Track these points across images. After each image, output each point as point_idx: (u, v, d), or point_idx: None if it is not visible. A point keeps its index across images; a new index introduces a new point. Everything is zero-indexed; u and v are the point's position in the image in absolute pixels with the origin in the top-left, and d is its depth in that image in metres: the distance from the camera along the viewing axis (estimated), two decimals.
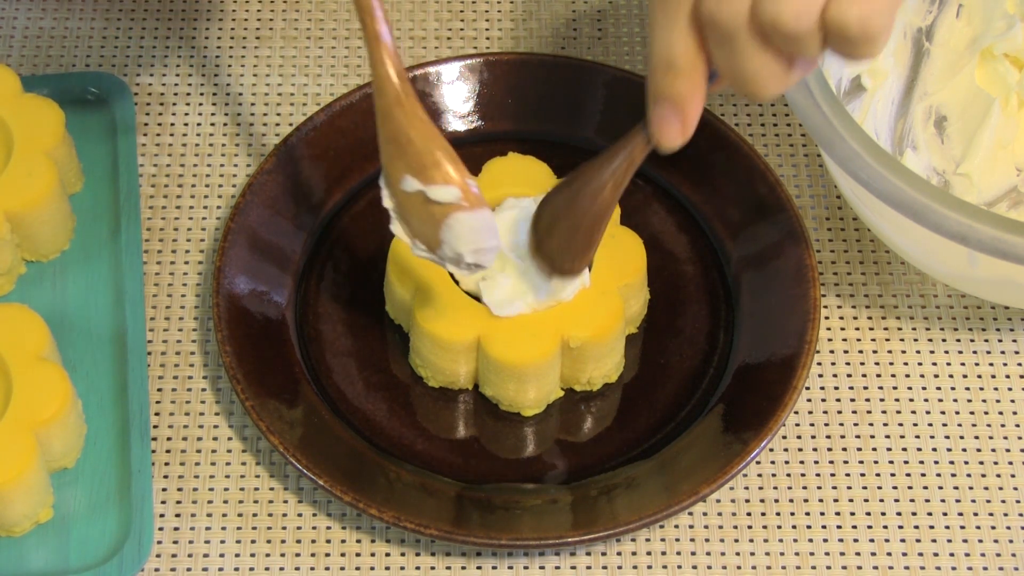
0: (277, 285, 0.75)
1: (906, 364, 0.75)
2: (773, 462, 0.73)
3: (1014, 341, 0.76)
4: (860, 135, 0.68)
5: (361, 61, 0.84)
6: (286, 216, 0.77)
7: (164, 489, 0.71)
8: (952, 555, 0.70)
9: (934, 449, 0.73)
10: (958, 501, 0.72)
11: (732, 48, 0.56)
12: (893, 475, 0.72)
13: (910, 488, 0.72)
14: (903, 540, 0.71)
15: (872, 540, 0.71)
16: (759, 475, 0.72)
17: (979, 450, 0.73)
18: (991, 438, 0.73)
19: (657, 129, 0.60)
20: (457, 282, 0.73)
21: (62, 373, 0.70)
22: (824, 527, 0.71)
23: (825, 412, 0.74)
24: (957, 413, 0.74)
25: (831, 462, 0.73)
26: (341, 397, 0.73)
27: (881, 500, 0.72)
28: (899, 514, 0.71)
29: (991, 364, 0.76)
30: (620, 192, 0.66)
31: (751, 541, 0.70)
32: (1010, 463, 0.73)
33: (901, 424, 0.74)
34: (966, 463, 0.73)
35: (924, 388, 0.75)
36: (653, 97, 0.59)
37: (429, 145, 0.64)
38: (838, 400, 0.74)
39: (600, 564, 0.70)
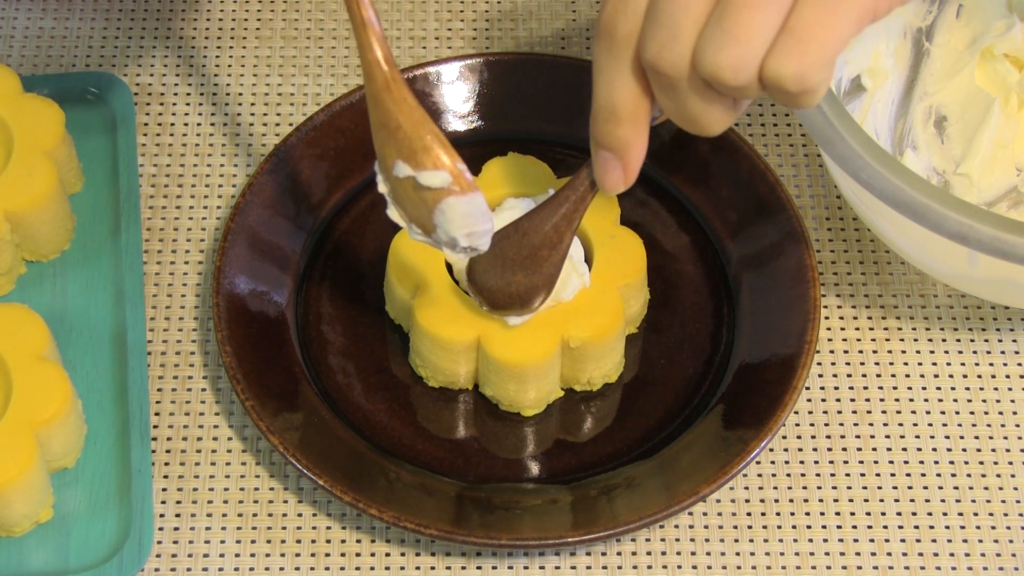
0: (277, 285, 0.75)
1: (906, 364, 0.75)
2: (773, 462, 0.73)
3: (1014, 341, 0.76)
4: (860, 135, 0.68)
5: None
6: (286, 216, 0.77)
7: (164, 489, 0.71)
8: (952, 555, 0.70)
9: (934, 449, 0.73)
10: (958, 501, 0.72)
11: (675, 94, 0.57)
12: (893, 475, 0.72)
13: (910, 488, 0.72)
14: (903, 540, 0.71)
15: (872, 540, 0.71)
16: (759, 475, 0.72)
17: (979, 450, 0.73)
18: (991, 438, 0.73)
19: (600, 175, 0.62)
20: (457, 282, 0.73)
21: (62, 373, 0.70)
22: (824, 527, 0.71)
23: (825, 412, 0.74)
24: (957, 413, 0.74)
25: (831, 462, 0.73)
26: (341, 397, 0.73)
27: (881, 500, 0.72)
28: (899, 514, 0.71)
29: (991, 364, 0.76)
30: (571, 229, 0.67)
31: (751, 541, 0.70)
32: (1010, 463, 0.73)
33: (901, 424, 0.74)
34: (966, 463, 0.73)
35: (924, 388, 0.75)
36: (595, 143, 0.60)
37: (418, 130, 0.64)
38: (838, 400, 0.74)
39: (600, 564, 0.70)
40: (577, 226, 0.66)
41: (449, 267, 0.73)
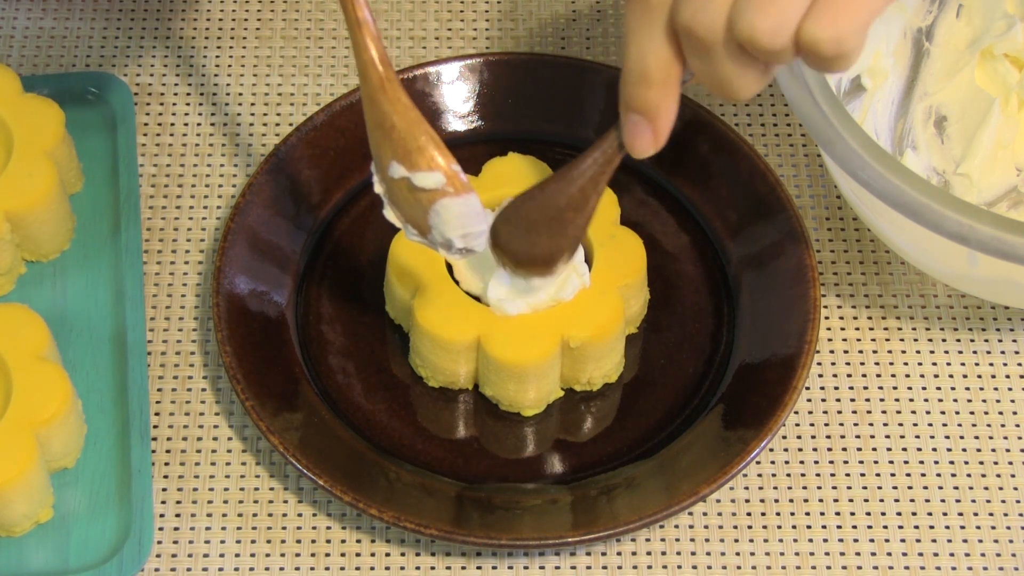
0: (277, 285, 0.75)
1: (906, 364, 0.75)
2: (773, 462, 0.73)
3: (1014, 341, 0.76)
4: (860, 135, 0.68)
5: None
6: (286, 216, 0.77)
7: (164, 489, 0.71)
8: (952, 555, 0.70)
9: (934, 449, 0.73)
10: (958, 501, 0.72)
11: (709, 58, 0.56)
12: (893, 475, 0.72)
13: (910, 488, 0.72)
14: (903, 540, 0.71)
15: (872, 540, 0.71)
16: (759, 475, 0.72)
17: (979, 450, 0.73)
18: (991, 438, 0.73)
19: (630, 138, 0.60)
20: (457, 282, 0.73)
21: (62, 373, 0.70)
22: (824, 527, 0.71)
23: (825, 412, 0.74)
24: (957, 413, 0.74)
25: (831, 462, 0.73)
26: (341, 397, 0.73)
27: (881, 500, 0.72)
28: (899, 514, 0.71)
29: (991, 364, 0.76)
30: (597, 191, 0.65)
31: (751, 541, 0.70)
32: (1010, 463, 0.73)
33: (901, 424, 0.74)
34: (966, 463, 0.73)
35: (924, 388, 0.75)
36: (625, 106, 0.60)
37: (413, 131, 0.64)
38: (838, 400, 0.74)
39: (600, 564, 0.70)
40: (603, 189, 0.65)
41: (449, 267, 0.73)
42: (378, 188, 0.67)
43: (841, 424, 0.74)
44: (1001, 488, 0.72)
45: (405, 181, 0.64)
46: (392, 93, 0.64)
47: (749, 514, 0.71)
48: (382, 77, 0.64)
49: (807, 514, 0.71)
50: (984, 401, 0.74)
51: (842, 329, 0.76)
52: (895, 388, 0.75)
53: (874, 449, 0.73)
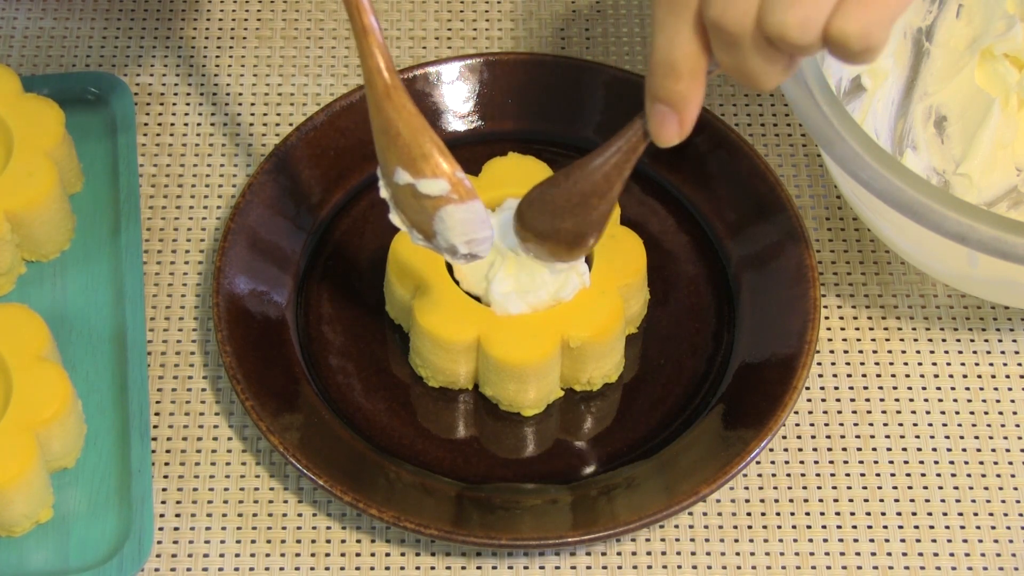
0: (277, 285, 0.75)
1: (906, 364, 0.75)
2: (773, 462, 0.73)
3: (1014, 341, 0.76)
4: (860, 135, 0.68)
5: None
6: (286, 216, 0.77)
7: (164, 489, 0.71)
8: (952, 555, 0.70)
9: (934, 449, 0.73)
10: (958, 501, 0.72)
11: (737, 50, 0.57)
12: (893, 475, 0.72)
13: (910, 488, 0.72)
14: (903, 540, 0.71)
15: (872, 540, 0.71)
16: (759, 475, 0.72)
17: (979, 450, 0.73)
18: (991, 438, 0.73)
19: (656, 128, 0.61)
20: (457, 282, 0.73)
21: (62, 373, 0.70)
22: (824, 527, 0.71)
23: (825, 412, 0.74)
24: (957, 413, 0.74)
25: (831, 462, 0.73)
26: (341, 397, 0.73)
27: (881, 500, 0.72)
28: (899, 514, 0.71)
29: (991, 364, 0.76)
30: (621, 178, 0.65)
31: (751, 541, 0.70)
32: (1010, 463, 0.73)
33: (901, 424, 0.74)
34: (966, 463, 0.73)
35: (924, 388, 0.75)
36: (652, 96, 0.60)
37: (418, 138, 0.64)
38: (838, 400, 0.74)
39: (600, 564, 0.70)
40: (627, 176, 0.65)
41: (449, 267, 0.73)
42: (384, 193, 0.67)
43: (841, 424, 0.74)
44: (1001, 488, 0.72)
45: (410, 187, 0.65)
46: (398, 100, 0.64)
47: (749, 514, 0.71)
48: (387, 84, 0.64)
49: (807, 514, 0.71)
50: (984, 401, 0.74)
51: (842, 329, 0.76)
52: (895, 388, 0.75)
53: (874, 449, 0.73)
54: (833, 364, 0.75)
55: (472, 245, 0.66)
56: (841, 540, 0.71)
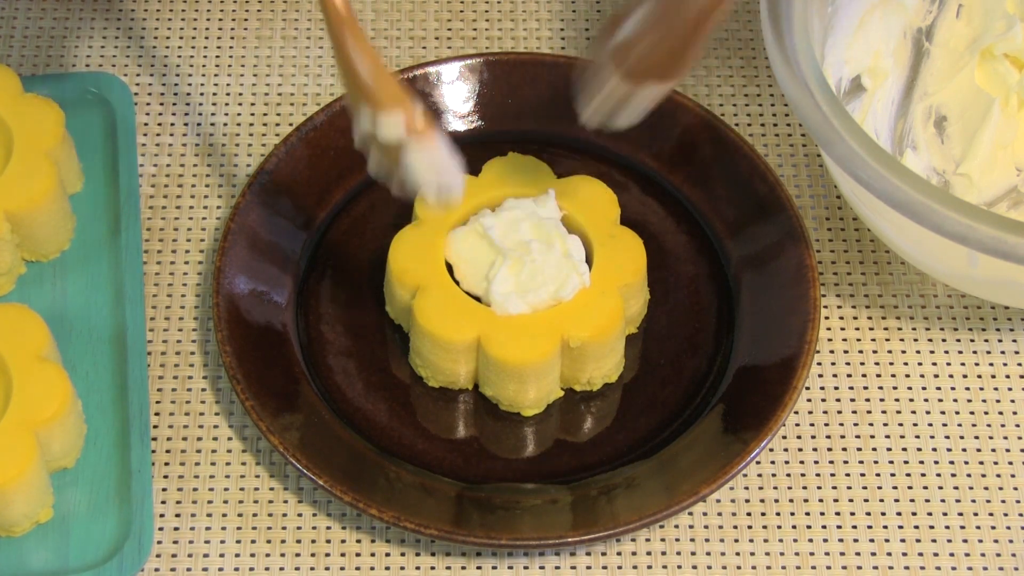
0: (277, 285, 0.75)
1: (906, 364, 0.75)
2: (773, 462, 0.73)
3: (1014, 341, 0.76)
4: (860, 135, 0.68)
5: None
6: (286, 216, 0.77)
7: (164, 489, 0.71)
8: (952, 555, 0.70)
9: (934, 449, 0.73)
10: (958, 501, 0.72)
11: None
12: (893, 475, 0.72)
13: (910, 488, 0.72)
14: (903, 540, 0.71)
15: (872, 540, 0.71)
16: (759, 475, 0.72)
17: (979, 450, 0.73)
18: (991, 438, 0.73)
19: None
20: (457, 282, 0.73)
21: (62, 373, 0.70)
22: (824, 527, 0.71)
23: (825, 412, 0.74)
24: (957, 413, 0.74)
25: (831, 462, 0.73)
26: (341, 397, 0.73)
27: (881, 500, 0.72)
28: (899, 514, 0.71)
29: (991, 364, 0.76)
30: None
31: (751, 541, 0.70)
32: (1010, 463, 0.73)
33: (901, 424, 0.74)
34: (966, 463, 0.73)
35: (924, 388, 0.75)
36: None
37: (374, 75, 0.64)
38: (838, 400, 0.74)
39: (600, 564, 0.70)
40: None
41: (449, 267, 0.73)
42: (358, 144, 0.67)
43: (841, 424, 0.74)
44: (1001, 488, 0.72)
45: (374, 137, 0.65)
46: (354, 35, 0.64)
47: (749, 514, 0.71)
48: (341, 16, 0.64)
49: (807, 514, 0.71)
50: (984, 401, 0.74)
51: (842, 329, 0.76)
52: (895, 388, 0.75)
53: (874, 449, 0.73)
54: (833, 364, 0.75)
55: (443, 188, 0.66)
56: (841, 540, 0.71)
